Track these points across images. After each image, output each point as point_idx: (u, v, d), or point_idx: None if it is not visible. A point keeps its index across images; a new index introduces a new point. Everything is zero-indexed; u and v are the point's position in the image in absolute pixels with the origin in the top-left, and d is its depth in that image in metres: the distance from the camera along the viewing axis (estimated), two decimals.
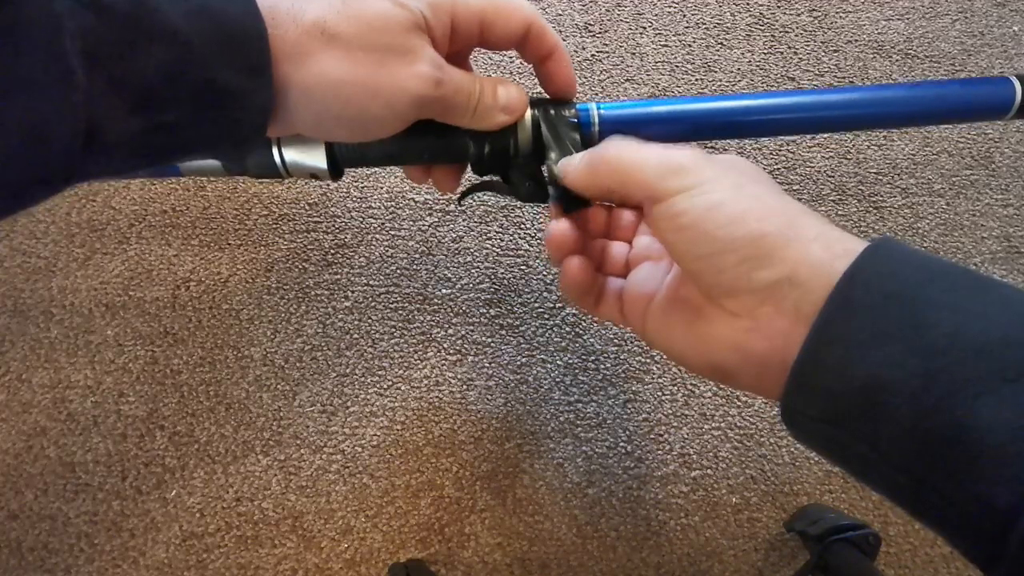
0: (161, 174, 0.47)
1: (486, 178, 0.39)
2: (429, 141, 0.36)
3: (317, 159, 0.38)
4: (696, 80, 0.60)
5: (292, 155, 0.37)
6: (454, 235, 0.56)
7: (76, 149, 0.25)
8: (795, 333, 0.25)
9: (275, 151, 0.38)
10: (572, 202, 0.35)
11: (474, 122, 0.35)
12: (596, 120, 0.38)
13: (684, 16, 0.62)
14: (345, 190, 0.57)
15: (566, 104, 0.37)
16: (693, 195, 0.28)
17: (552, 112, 0.37)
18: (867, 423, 0.23)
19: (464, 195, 0.41)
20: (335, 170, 0.38)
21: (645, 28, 0.62)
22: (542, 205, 0.58)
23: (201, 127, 0.29)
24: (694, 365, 0.30)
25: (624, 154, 0.31)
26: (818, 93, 0.42)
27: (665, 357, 0.54)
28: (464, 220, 0.57)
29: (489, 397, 0.53)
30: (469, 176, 0.38)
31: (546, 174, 0.36)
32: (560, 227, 0.34)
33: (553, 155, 0.36)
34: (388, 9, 0.31)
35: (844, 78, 0.61)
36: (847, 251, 0.25)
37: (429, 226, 0.57)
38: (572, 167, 0.34)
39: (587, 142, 0.38)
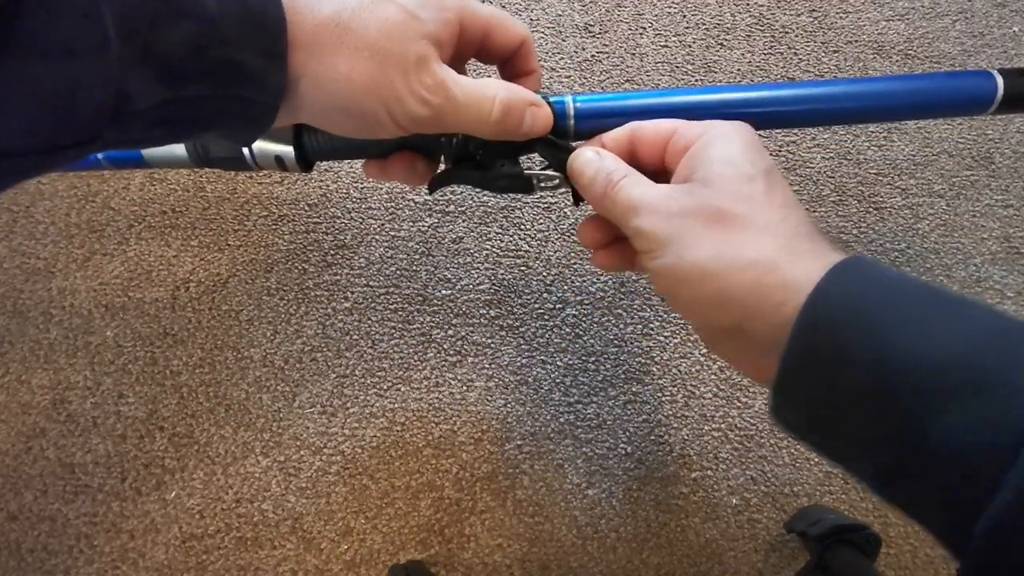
0: (124, 165, 0.47)
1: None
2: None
3: (284, 147, 0.38)
4: (696, 80, 0.60)
5: (259, 143, 0.37)
6: (454, 236, 0.56)
7: (104, 115, 0.26)
8: (772, 364, 0.28)
9: None
10: (578, 196, 0.36)
11: (493, 136, 0.36)
12: (571, 113, 0.38)
13: (684, 17, 0.62)
14: (345, 191, 0.57)
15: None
16: (654, 259, 0.32)
17: None
18: (839, 436, 0.27)
19: (434, 186, 0.40)
20: (304, 160, 0.39)
21: (645, 29, 0.62)
22: (541, 205, 0.58)
23: (218, 104, 0.30)
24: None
25: (620, 198, 0.34)
26: (798, 87, 0.42)
27: (664, 358, 0.54)
28: (464, 221, 0.57)
29: (489, 398, 0.53)
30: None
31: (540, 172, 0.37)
32: (585, 234, 0.38)
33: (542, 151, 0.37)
34: (400, 18, 0.32)
35: (844, 78, 0.61)
36: (802, 287, 0.27)
37: (429, 227, 0.57)
38: (584, 185, 0.36)
39: (563, 134, 0.38)
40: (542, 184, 0.38)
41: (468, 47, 0.36)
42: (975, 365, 0.23)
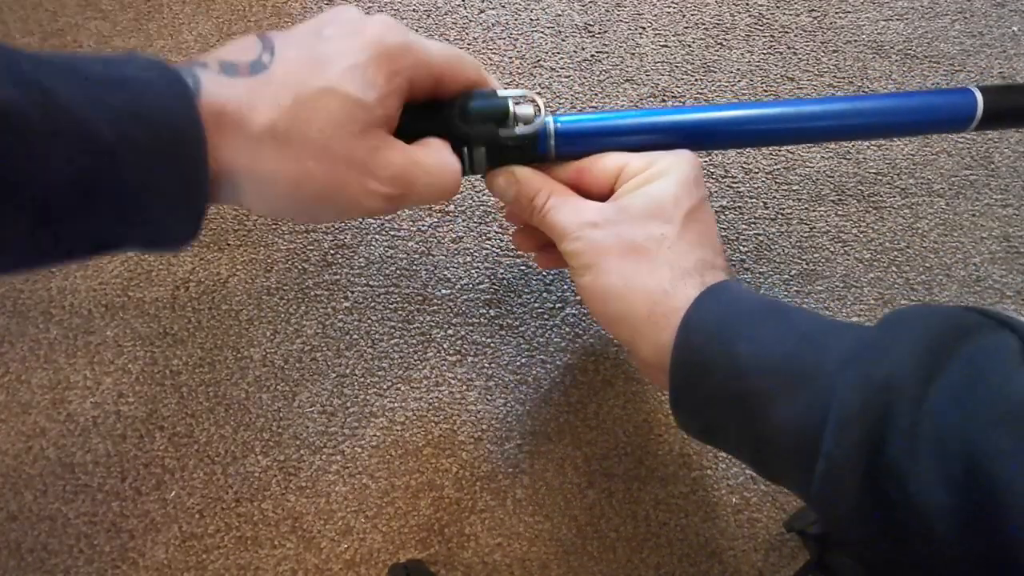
0: None
1: None
2: None
3: None
4: (695, 80, 0.60)
5: None
6: (454, 235, 0.56)
7: None
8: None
9: None
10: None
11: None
12: (552, 133, 0.37)
13: (684, 16, 0.62)
14: None
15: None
16: (577, 275, 0.37)
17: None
18: (721, 435, 0.33)
19: None
20: None
21: (644, 28, 0.62)
22: None
23: (120, 230, 0.27)
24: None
25: (548, 216, 0.38)
26: (777, 105, 0.42)
27: None
28: (464, 220, 0.57)
29: (489, 397, 0.53)
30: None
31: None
32: (520, 243, 0.45)
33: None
34: (345, 111, 0.29)
35: (844, 78, 0.61)
36: (675, 311, 0.34)
37: (428, 226, 0.57)
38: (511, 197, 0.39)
39: (544, 156, 0.38)
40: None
41: (420, 93, 0.34)
42: (794, 361, 0.29)
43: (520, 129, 0.35)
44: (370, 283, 0.55)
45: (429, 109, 0.34)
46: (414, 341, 0.54)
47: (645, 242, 0.35)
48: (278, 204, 0.31)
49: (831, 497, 0.26)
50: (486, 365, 0.54)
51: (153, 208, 0.27)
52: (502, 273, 0.56)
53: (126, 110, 0.25)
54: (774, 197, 0.58)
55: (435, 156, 0.34)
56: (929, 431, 0.24)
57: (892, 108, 0.42)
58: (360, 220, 0.56)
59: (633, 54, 0.61)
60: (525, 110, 0.36)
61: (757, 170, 0.58)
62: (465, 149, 0.35)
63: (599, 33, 0.61)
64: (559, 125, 0.38)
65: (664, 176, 0.36)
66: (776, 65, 0.61)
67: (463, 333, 0.54)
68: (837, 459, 0.26)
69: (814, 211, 0.58)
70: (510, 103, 0.35)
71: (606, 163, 0.38)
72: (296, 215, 0.33)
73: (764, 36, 0.62)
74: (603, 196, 0.38)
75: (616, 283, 0.35)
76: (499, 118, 0.35)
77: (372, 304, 0.55)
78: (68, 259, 0.28)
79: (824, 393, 0.26)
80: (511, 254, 0.56)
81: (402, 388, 0.53)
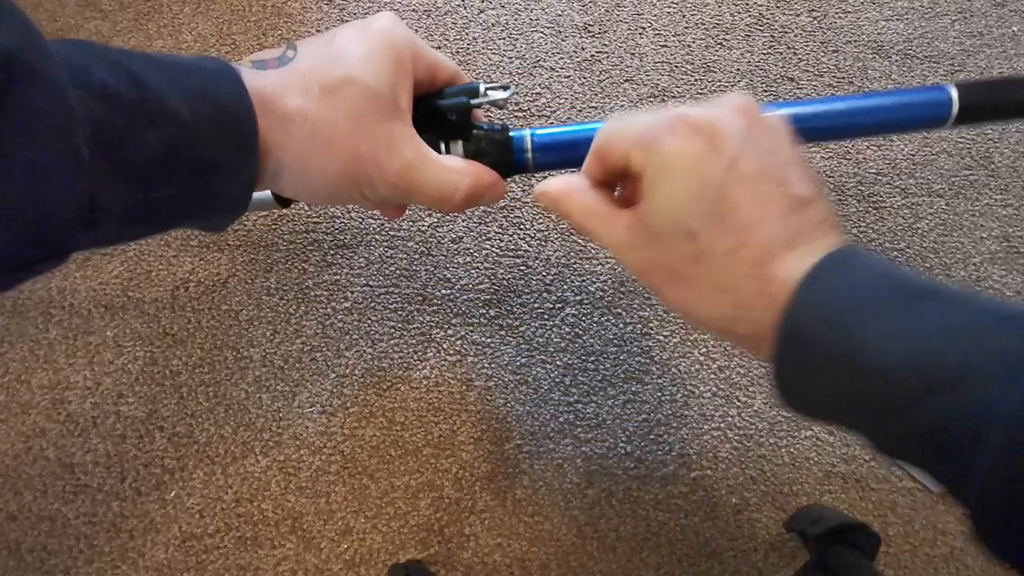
0: None
1: None
2: None
3: (263, 196, 0.41)
4: (695, 80, 0.60)
5: None
6: (453, 235, 0.56)
7: (76, 228, 0.26)
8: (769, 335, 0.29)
9: None
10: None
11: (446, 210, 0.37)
12: (529, 147, 0.39)
13: (683, 16, 0.62)
14: None
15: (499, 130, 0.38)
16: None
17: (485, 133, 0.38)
18: (840, 420, 0.29)
19: None
20: (283, 202, 0.42)
21: (644, 29, 0.62)
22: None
23: (191, 200, 0.31)
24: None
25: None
26: None
27: (664, 357, 0.54)
28: (463, 221, 0.57)
29: (488, 398, 0.53)
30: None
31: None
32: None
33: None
34: (366, 102, 0.32)
35: (843, 78, 0.61)
36: (784, 290, 0.28)
37: (428, 227, 0.57)
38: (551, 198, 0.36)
39: (523, 167, 0.39)
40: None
41: (419, 87, 0.36)
42: (934, 367, 0.24)
43: (491, 95, 0.37)
44: (370, 283, 0.55)
45: (419, 99, 0.37)
46: (414, 341, 0.54)
47: (683, 267, 0.30)
48: (307, 181, 0.33)
49: (991, 525, 0.23)
50: (486, 365, 0.54)
51: (217, 178, 0.30)
52: (502, 273, 0.56)
53: (199, 93, 0.28)
54: None
55: (441, 165, 0.35)
56: None
57: (865, 108, 0.42)
58: (360, 220, 0.56)
59: (633, 54, 0.61)
60: (497, 93, 0.38)
61: None
62: (443, 144, 0.37)
63: (599, 33, 0.61)
64: (536, 138, 0.38)
65: (667, 180, 0.30)
66: (776, 65, 0.61)
67: (463, 333, 0.54)
68: (997, 488, 0.22)
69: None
70: (482, 85, 0.38)
71: (613, 159, 0.33)
72: (319, 193, 0.35)
73: (764, 36, 0.62)
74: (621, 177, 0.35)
75: (675, 305, 0.31)
76: (471, 94, 0.38)
77: (372, 304, 0.55)
78: (148, 232, 0.32)
79: (981, 403, 0.23)
80: (511, 254, 0.56)
81: (402, 388, 0.53)
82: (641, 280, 0.33)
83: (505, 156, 0.38)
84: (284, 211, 0.57)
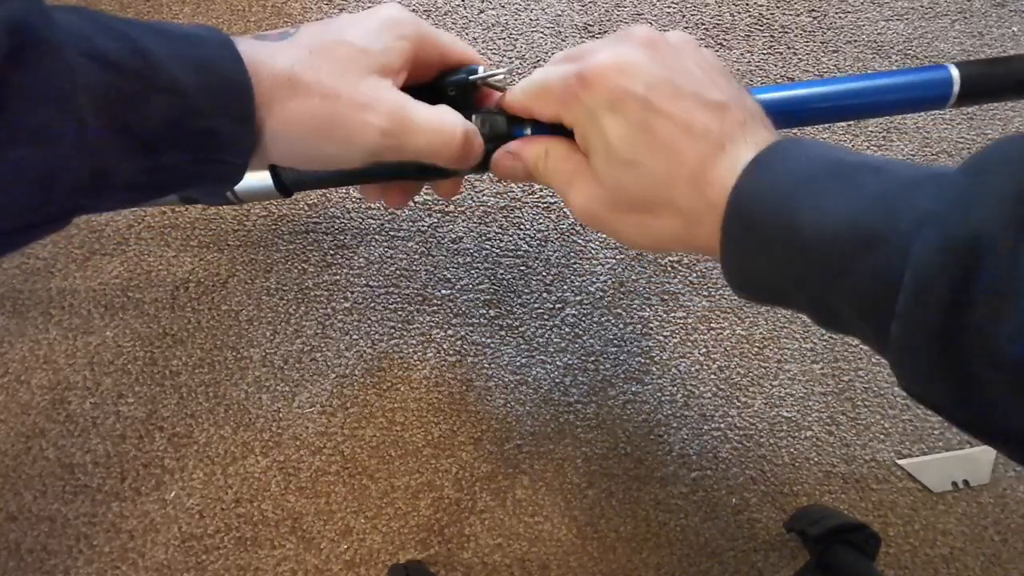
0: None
1: None
2: (382, 165, 0.38)
3: (264, 184, 0.41)
4: None
5: (241, 184, 0.39)
6: (453, 236, 0.56)
7: (82, 192, 0.27)
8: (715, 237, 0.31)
9: None
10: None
11: (448, 164, 0.37)
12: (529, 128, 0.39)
13: (684, 16, 0.62)
14: (344, 191, 0.57)
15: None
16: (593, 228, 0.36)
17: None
18: (784, 299, 0.31)
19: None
20: (285, 191, 0.42)
21: None
22: (541, 205, 0.58)
23: (193, 166, 0.32)
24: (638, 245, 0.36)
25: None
26: (752, 92, 0.42)
27: (664, 357, 0.54)
28: (463, 221, 0.57)
29: (488, 398, 0.53)
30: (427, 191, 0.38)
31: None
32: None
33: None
34: (350, 55, 0.33)
35: None
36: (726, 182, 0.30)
37: (428, 227, 0.57)
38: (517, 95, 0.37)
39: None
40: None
41: (427, 67, 0.37)
42: (861, 228, 0.26)
43: (485, 72, 0.39)
44: (370, 283, 0.55)
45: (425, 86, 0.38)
46: (414, 341, 0.54)
47: (632, 200, 0.33)
48: (292, 143, 0.34)
49: (907, 367, 0.25)
50: (486, 365, 0.54)
51: (218, 146, 0.31)
52: (502, 273, 0.56)
53: (200, 63, 0.29)
54: None
55: (433, 109, 0.36)
56: None
57: (868, 89, 0.42)
58: (360, 220, 0.56)
59: None
60: (495, 72, 0.39)
61: None
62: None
63: (599, 33, 0.61)
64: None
65: (593, 129, 0.33)
66: (776, 65, 0.61)
67: (463, 333, 0.54)
68: (910, 328, 0.24)
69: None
70: (481, 68, 0.39)
71: (546, 117, 0.36)
72: (306, 154, 0.35)
73: (764, 36, 0.62)
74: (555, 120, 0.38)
75: (633, 234, 0.34)
76: (470, 72, 0.39)
77: (372, 304, 0.55)
78: (151, 197, 0.32)
79: (898, 257, 0.25)
80: (510, 254, 0.56)
81: (402, 388, 0.53)
82: (594, 225, 0.35)
83: (504, 135, 0.39)
84: (284, 212, 0.57)
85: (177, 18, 0.61)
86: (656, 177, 0.32)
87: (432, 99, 0.37)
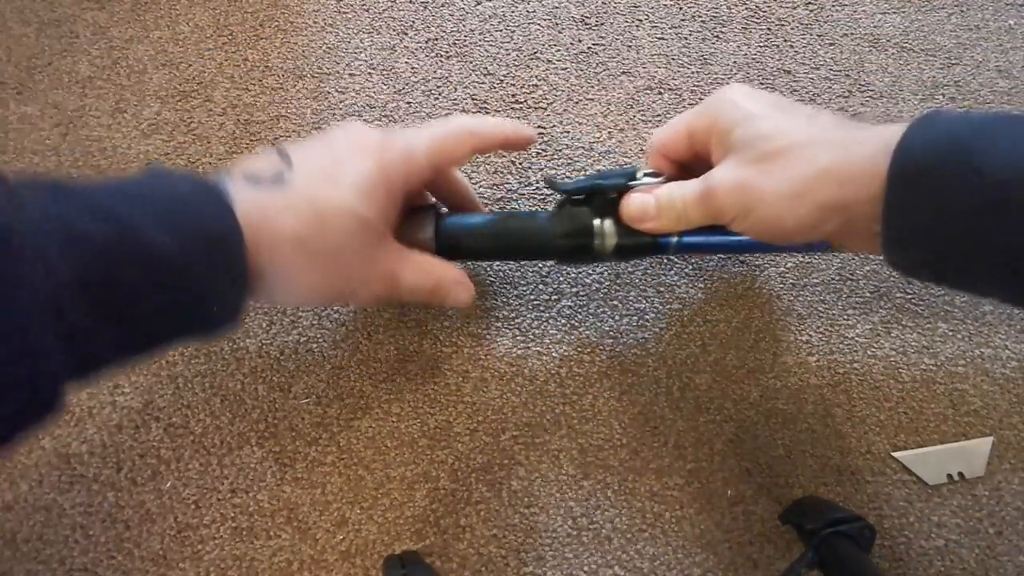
0: None
1: None
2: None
3: None
4: (692, 73, 0.60)
5: None
6: None
7: (61, 384, 0.28)
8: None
9: None
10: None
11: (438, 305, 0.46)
12: (674, 241, 0.44)
13: (680, 9, 0.62)
14: None
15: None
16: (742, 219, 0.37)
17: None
18: (955, 260, 0.29)
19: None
20: None
21: (641, 21, 0.62)
22: (536, 198, 0.58)
23: (184, 328, 0.33)
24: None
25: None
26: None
27: (660, 349, 0.54)
28: None
29: (484, 389, 0.53)
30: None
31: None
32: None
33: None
34: (350, 228, 0.35)
35: (840, 71, 0.61)
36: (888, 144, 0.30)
37: None
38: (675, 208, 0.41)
39: (665, 250, 0.45)
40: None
41: (424, 185, 0.43)
42: None
43: (643, 177, 0.43)
44: None
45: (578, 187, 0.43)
46: (409, 332, 0.54)
47: (773, 147, 0.34)
48: (299, 296, 0.38)
49: None
50: (482, 356, 0.54)
51: (210, 305, 0.32)
52: (498, 265, 0.56)
53: (187, 227, 0.30)
54: None
55: (419, 268, 0.40)
56: None
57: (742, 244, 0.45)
58: None
59: (630, 46, 0.61)
60: (650, 179, 0.43)
61: None
62: (597, 220, 0.44)
63: (596, 25, 0.61)
64: (682, 242, 0.45)
65: (736, 107, 0.36)
66: (772, 58, 0.61)
67: (459, 325, 0.54)
68: None
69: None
70: (640, 172, 0.43)
71: (680, 148, 0.42)
72: (305, 302, 0.42)
73: (760, 29, 0.62)
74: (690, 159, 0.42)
75: (777, 210, 0.33)
76: (629, 177, 0.43)
77: None
78: (144, 358, 0.34)
79: None
80: None
81: (398, 380, 0.53)
82: (739, 197, 0.35)
83: (651, 243, 0.43)
84: None
85: (174, 9, 0.61)
86: (800, 144, 0.34)
87: (589, 198, 0.43)
